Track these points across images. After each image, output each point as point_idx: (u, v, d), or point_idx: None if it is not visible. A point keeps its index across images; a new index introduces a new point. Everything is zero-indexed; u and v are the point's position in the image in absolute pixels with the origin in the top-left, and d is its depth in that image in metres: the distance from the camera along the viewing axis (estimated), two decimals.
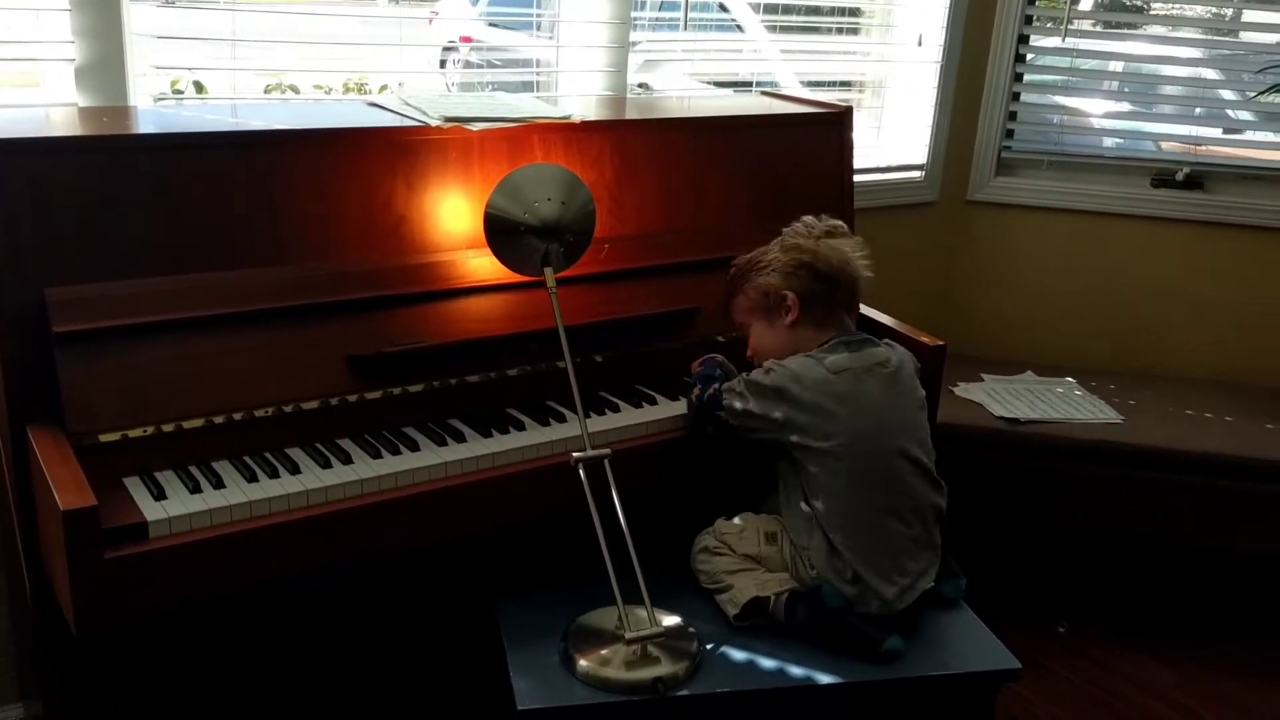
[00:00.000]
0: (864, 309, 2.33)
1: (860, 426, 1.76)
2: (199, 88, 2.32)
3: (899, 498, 1.78)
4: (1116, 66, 3.36)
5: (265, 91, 2.49)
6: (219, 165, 1.71)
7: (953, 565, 1.89)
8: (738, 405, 1.81)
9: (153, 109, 2.07)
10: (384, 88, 2.61)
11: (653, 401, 1.95)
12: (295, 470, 1.62)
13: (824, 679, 1.68)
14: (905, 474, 1.79)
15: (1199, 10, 3.41)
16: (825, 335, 1.85)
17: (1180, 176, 3.23)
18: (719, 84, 3.17)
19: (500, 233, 1.84)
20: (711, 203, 2.20)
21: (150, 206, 1.65)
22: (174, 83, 2.25)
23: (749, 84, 3.11)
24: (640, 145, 2.10)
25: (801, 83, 3.18)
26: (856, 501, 1.75)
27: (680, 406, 1.93)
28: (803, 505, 1.80)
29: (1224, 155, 3.33)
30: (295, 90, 2.52)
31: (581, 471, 1.69)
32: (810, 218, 1.94)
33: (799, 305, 1.85)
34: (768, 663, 1.71)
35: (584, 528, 1.66)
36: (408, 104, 2.02)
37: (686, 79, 3.15)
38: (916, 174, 3.30)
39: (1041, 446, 2.69)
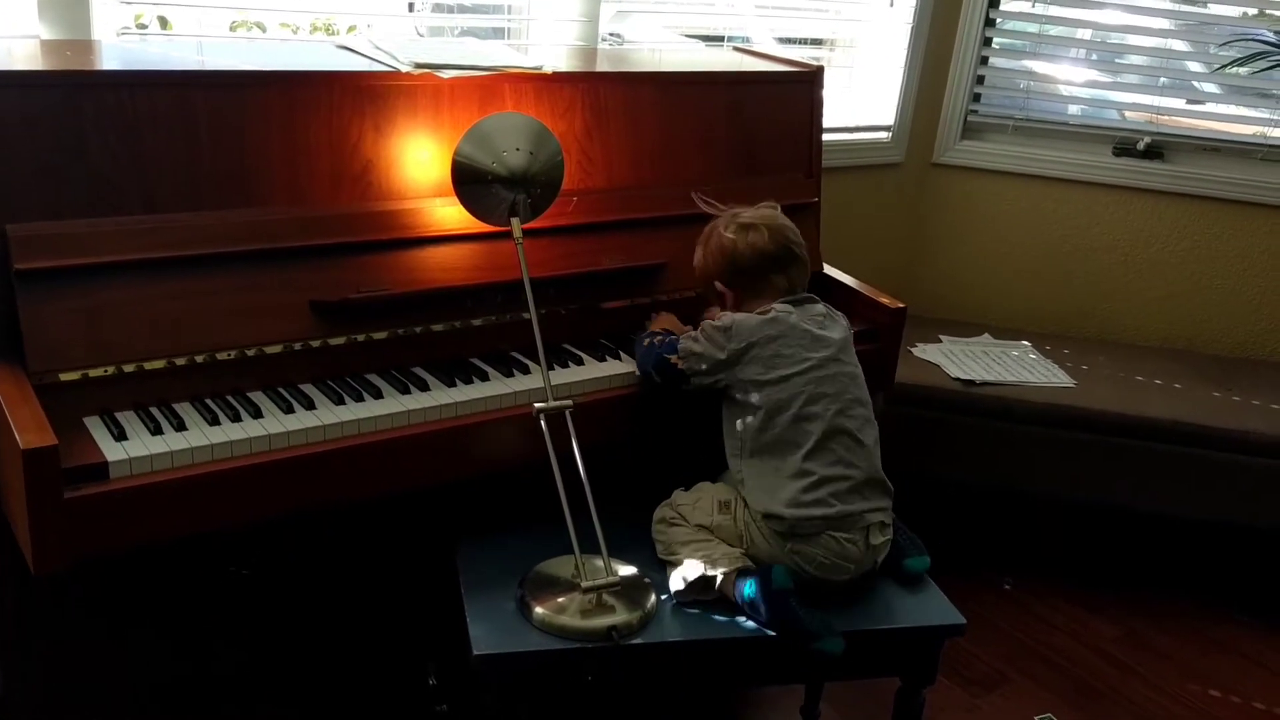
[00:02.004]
0: (827, 269, 2.36)
1: (809, 366, 1.81)
2: (163, 23, 2.28)
3: (849, 451, 1.81)
4: (1085, 34, 3.38)
5: (231, 28, 2.45)
6: (185, 105, 1.68)
7: (918, 541, 1.91)
8: (693, 347, 1.85)
9: (117, 44, 2.03)
10: (352, 28, 2.58)
11: (616, 355, 1.97)
12: (257, 414, 1.62)
13: (773, 631, 1.72)
14: (856, 427, 1.83)
15: None
16: (772, 299, 1.91)
17: (1141, 146, 3.27)
18: (691, 37, 3.16)
19: (468, 181, 1.84)
20: (681, 157, 2.21)
21: (115, 145, 1.63)
22: (138, 17, 2.21)
23: (721, 38, 3.10)
24: (611, 98, 2.10)
25: (774, 39, 3.17)
26: (804, 450, 1.78)
27: None
28: (747, 459, 1.83)
29: (1185, 126, 3.37)
30: (261, 28, 2.48)
31: (543, 422, 1.71)
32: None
33: (729, 290, 1.94)
34: (720, 614, 1.74)
35: (544, 477, 1.68)
36: (378, 48, 2.00)
37: (659, 30, 3.13)
38: (884, 135, 3.31)
39: (995, 408, 2.75)
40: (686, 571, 1.77)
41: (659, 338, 1.92)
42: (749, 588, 1.72)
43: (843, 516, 1.77)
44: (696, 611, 1.74)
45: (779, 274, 1.92)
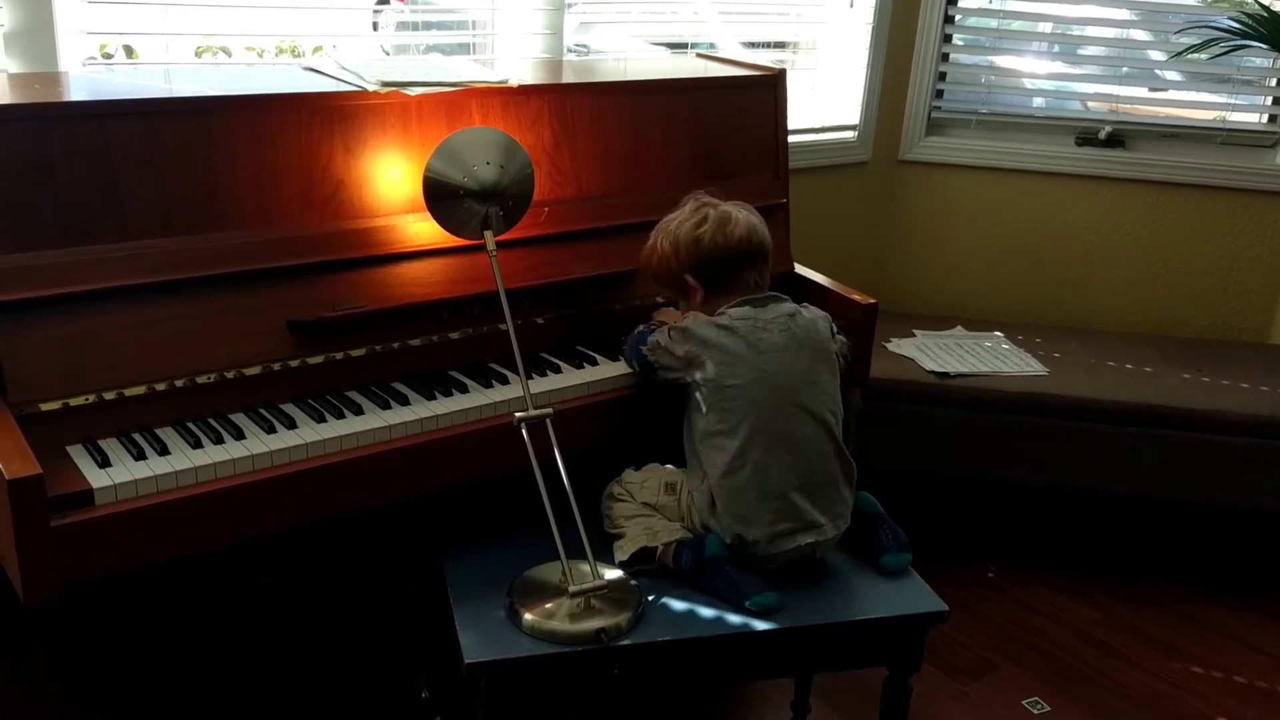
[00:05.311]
0: (798, 268, 2.39)
1: (758, 370, 1.82)
2: (129, 51, 2.29)
3: (788, 450, 1.82)
4: (1046, 27, 3.43)
5: (196, 54, 2.46)
6: (154, 132, 1.69)
7: (901, 537, 1.92)
8: (660, 340, 1.89)
9: (84, 75, 2.04)
10: (318, 49, 2.59)
11: (593, 362, 1.99)
12: (240, 435, 1.63)
13: (760, 626, 1.74)
14: (800, 426, 1.84)
15: None
16: (736, 297, 1.91)
17: (1103, 135, 3.32)
18: (657, 44, 3.19)
19: (439, 197, 1.86)
20: (649, 165, 2.23)
21: (85, 175, 1.64)
22: (103, 47, 2.22)
23: (686, 45, 3.13)
24: (578, 109, 2.12)
25: (740, 43, 3.20)
26: (743, 444, 1.81)
27: (620, 366, 1.98)
28: (695, 446, 1.86)
29: (1146, 114, 3.42)
30: (227, 53, 2.50)
31: (524, 431, 1.72)
32: (693, 197, 1.98)
33: (699, 283, 1.92)
34: (707, 612, 1.76)
35: (528, 485, 1.70)
36: (344, 68, 2.02)
37: (625, 39, 3.15)
38: (850, 134, 3.35)
39: (971, 399, 2.78)
40: (630, 543, 1.85)
41: (642, 327, 1.96)
42: (685, 557, 1.81)
43: (767, 539, 1.81)
44: (684, 609, 1.76)
45: (751, 270, 1.93)
